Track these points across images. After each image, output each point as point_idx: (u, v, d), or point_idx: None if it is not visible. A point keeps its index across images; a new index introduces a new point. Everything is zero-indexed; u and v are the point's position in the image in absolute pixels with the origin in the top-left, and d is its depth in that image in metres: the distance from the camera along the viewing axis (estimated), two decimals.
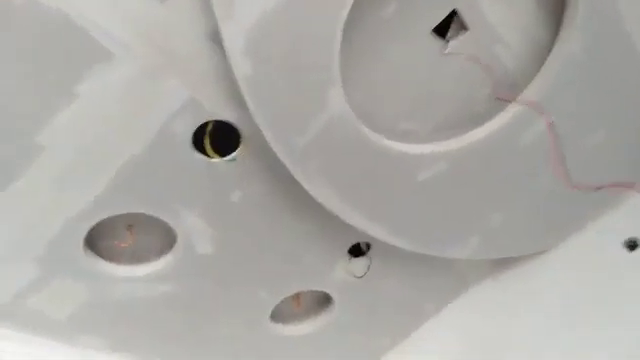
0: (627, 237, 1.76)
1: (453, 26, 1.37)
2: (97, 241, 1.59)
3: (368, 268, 1.81)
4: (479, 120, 1.50)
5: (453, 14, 1.36)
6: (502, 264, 2.01)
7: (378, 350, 2.15)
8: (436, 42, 1.39)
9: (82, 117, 1.26)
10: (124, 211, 1.45)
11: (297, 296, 1.95)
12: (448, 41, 1.39)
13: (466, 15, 1.34)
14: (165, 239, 1.62)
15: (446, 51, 1.39)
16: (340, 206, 1.46)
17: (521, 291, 1.98)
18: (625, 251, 1.76)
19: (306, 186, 1.43)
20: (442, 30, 1.39)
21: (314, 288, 1.83)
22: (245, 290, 1.76)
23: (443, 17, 1.34)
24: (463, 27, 1.38)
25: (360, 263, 1.83)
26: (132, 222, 1.58)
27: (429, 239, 1.69)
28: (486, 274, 2.04)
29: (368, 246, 1.82)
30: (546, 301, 1.89)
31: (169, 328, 1.78)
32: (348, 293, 1.88)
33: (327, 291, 1.86)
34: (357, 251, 1.83)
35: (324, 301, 1.98)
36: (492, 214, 1.72)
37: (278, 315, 1.94)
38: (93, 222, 1.45)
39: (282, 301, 1.89)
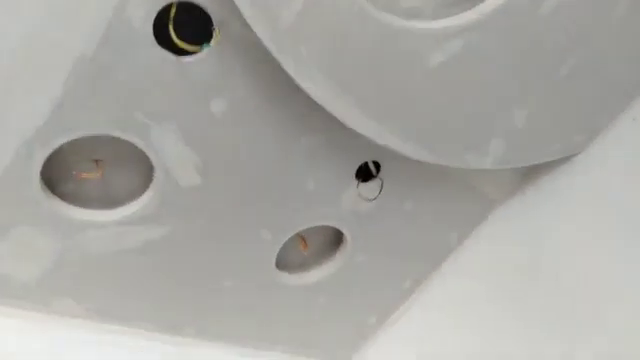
0: None
1: None
2: (60, 186, 1.33)
3: (380, 190, 1.56)
4: None
5: None
6: (528, 179, 1.77)
7: (398, 296, 1.90)
8: None
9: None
10: (83, 132, 1.19)
11: (303, 238, 1.70)
12: None
13: None
14: (142, 178, 1.36)
15: None
16: (340, 103, 1.21)
17: (551, 208, 1.74)
18: None
19: (297, 79, 1.18)
20: None
21: (322, 223, 1.58)
22: (245, 230, 1.51)
23: None
24: None
25: (370, 186, 1.58)
26: (100, 157, 1.32)
27: (445, 144, 1.44)
28: (512, 192, 1.80)
29: (377, 167, 1.57)
30: (581, 213, 1.65)
31: (157, 286, 1.52)
32: (361, 226, 1.63)
33: (337, 225, 1.61)
34: (366, 175, 1.58)
35: (335, 244, 1.73)
36: (516, 109, 1.47)
37: (285, 264, 1.70)
38: (48, 149, 1.19)
39: (289, 248, 1.64)
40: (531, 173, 1.70)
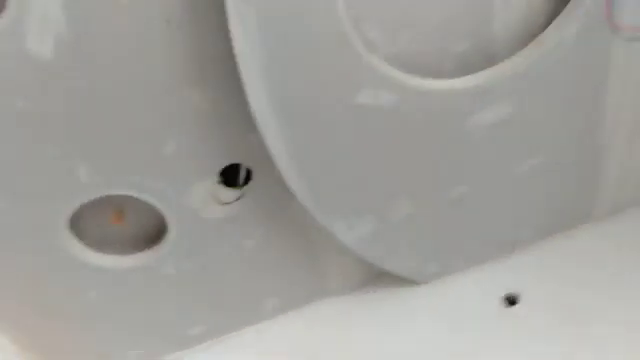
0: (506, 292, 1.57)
1: None
2: None
3: (237, 199, 1.34)
4: None
5: None
6: (375, 282, 1.67)
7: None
8: None
9: None
10: None
11: (120, 211, 1.38)
12: None
13: None
14: None
15: None
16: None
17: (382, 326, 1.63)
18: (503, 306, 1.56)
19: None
20: None
21: (149, 199, 1.28)
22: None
23: None
24: None
25: (229, 193, 1.35)
26: None
27: (328, 202, 1.30)
28: (352, 287, 1.67)
29: (247, 179, 1.36)
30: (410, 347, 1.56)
31: None
32: (190, 230, 1.36)
33: (165, 213, 1.32)
34: (231, 180, 1.36)
35: (157, 236, 1.42)
36: (400, 199, 1.40)
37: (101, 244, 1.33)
38: None
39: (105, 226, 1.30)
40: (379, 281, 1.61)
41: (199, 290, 1.48)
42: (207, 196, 1.30)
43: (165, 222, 1.33)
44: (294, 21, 1.03)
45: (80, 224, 1.32)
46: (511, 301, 1.57)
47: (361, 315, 1.62)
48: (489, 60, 1.28)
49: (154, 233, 1.42)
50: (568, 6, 1.20)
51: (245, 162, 1.31)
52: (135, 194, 1.25)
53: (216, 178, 1.31)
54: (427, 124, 1.27)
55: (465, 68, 1.27)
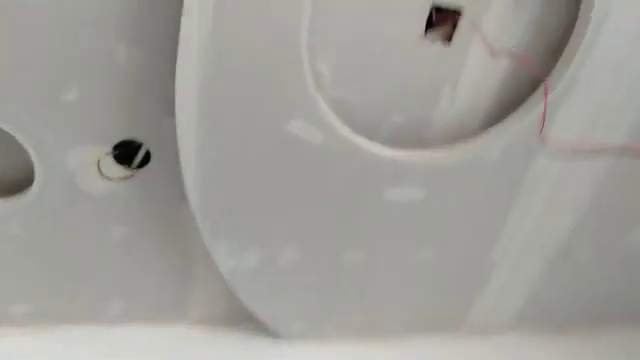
0: None
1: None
2: None
3: (124, 179, 1.20)
4: None
5: None
6: (234, 323, 1.55)
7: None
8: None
9: None
10: None
11: None
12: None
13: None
14: None
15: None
16: None
17: None
18: None
19: None
20: None
21: (25, 142, 1.12)
22: None
23: None
24: None
25: (117, 169, 1.22)
26: None
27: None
28: (212, 322, 1.54)
29: (144, 163, 1.24)
30: None
31: None
32: (57, 192, 1.20)
33: (36, 164, 1.16)
34: (126, 156, 1.23)
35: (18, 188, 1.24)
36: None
37: None
38: None
39: None
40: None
41: (40, 264, 1.29)
42: (91, 163, 1.16)
43: (32, 174, 1.16)
44: (254, 24, 0.98)
45: None
46: None
47: (205, 355, 1.48)
48: (420, 142, 1.29)
49: (16, 184, 1.23)
50: (506, 120, 1.26)
51: (147, 144, 1.19)
52: (11, 131, 1.09)
53: (109, 148, 1.18)
54: (341, 178, 1.23)
55: (397, 140, 1.28)
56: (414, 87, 1.25)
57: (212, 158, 1.12)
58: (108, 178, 1.16)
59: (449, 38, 1.20)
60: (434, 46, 1.20)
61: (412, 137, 1.30)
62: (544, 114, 1.09)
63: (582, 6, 1.15)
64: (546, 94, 1.09)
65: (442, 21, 1.17)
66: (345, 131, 1.19)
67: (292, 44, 1.00)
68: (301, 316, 1.46)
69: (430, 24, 1.18)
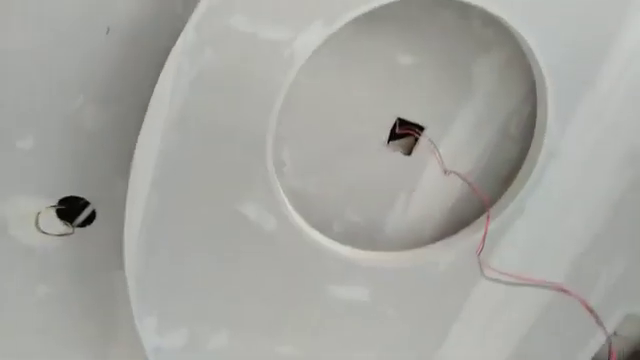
0: None
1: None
2: None
3: (60, 235, 1.14)
4: None
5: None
6: None
7: None
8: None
9: None
10: None
11: None
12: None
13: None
14: None
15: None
16: None
17: None
18: None
19: None
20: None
21: None
22: None
23: None
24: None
25: (56, 223, 1.16)
26: None
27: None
28: None
29: (88, 221, 1.19)
30: None
31: None
32: None
33: None
34: (69, 212, 1.18)
35: None
36: None
37: None
38: None
39: None
40: None
41: None
42: (31, 214, 1.11)
43: None
44: (227, 105, 1.01)
45: None
46: None
47: None
48: (371, 243, 1.29)
49: None
50: (455, 236, 1.28)
51: (95, 204, 1.15)
52: None
53: (54, 201, 1.13)
54: (288, 268, 1.21)
55: (348, 238, 1.28)
56: (371, 189, 1.28)
57: (158, 229, 1.09)
58: (45, 232, 1.10)
59: (410, 150, 1.26)
60: (395, 155, 1.25)
61: (364, 237, 1.31)
62: (483, 238, 1.12)
63: (533, 142, 1.23)
64: (487, 219, 1.13)
65: (405, 133, 1.22)
66: (299, 221, 1.19)
67: (259, 130, 1.02)
68: None
69: (395, 134, 1.24)
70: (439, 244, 1.29)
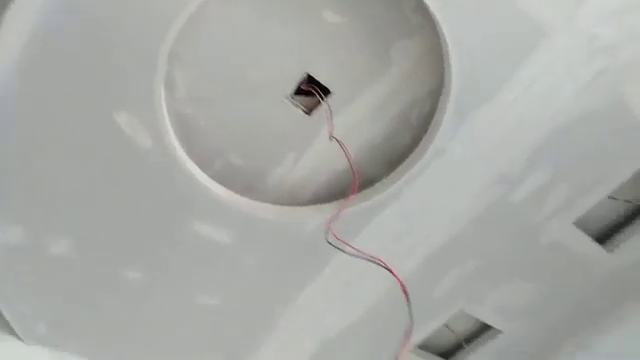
0: None
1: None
2: None
3: None
4: None
5: None
6: None
7: None
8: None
9: None
10: None
11: None
12: None
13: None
14: None
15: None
16: None
17: None
18: None
19: None
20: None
21: None
22: None
23: None
24: None
25: None
26: None
27: None
28: None
29: None
30: None
31: None
32: None
33: None
34: None
35: None
36: None
37: None
38: None
39: None
40: None
41: None
42: None
43: None
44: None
45: None
46: None
47: None
48: (248, 191, 1.28)
49: None
50: (328, 204, 1.28)
51: None
52: None
53: None
54: (155, 192, 1.14)
55: (227, 179, 1.24)
56: (263, 139, 1.23)
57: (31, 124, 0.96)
58: None
59: (311, 110, 1.22)
60: (295, 111, 1.21)
61: (242, 183, 1.27)
62: (338, 211, 1.12)
63: (426, 136, 1.25)
64: (353, 190, 1.12)
65: (310, 91, 1.18)
66: (177, 147, 1.11)
67: (154, 40, 0.92)
68: (50, 319, 1.27)
69: (300, 90, 1.19)
70: (313, 207, 1.29)
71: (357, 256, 0.98)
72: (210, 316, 1.42)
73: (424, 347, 1.79)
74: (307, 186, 1.32)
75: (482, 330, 1.80)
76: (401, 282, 0.80)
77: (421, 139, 1.28)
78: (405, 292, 0.79)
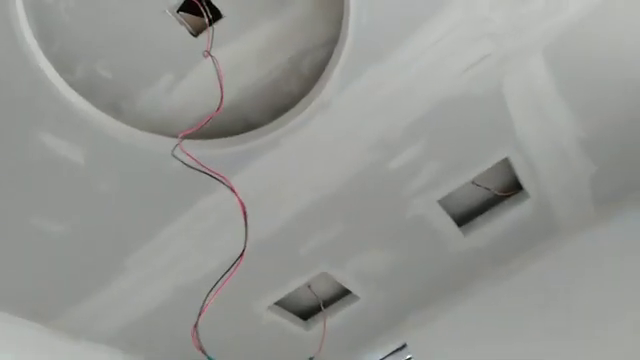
0: None
1: None
2: None
3: None
4: None
5: None
6: None
7: None
8: None
9: None
10: None
11: None
12: None
13: None
14: None
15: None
16: None
17: None
18: None
19: None
20: None
21: None
22: None
23: None
24: None
25: None
26: None
27: None
28: None
29: None
30: None
31: None
32: None
33: None
34: None
35: None
36: None
37: None
38: None
39: None
40: None
41: None
42: None
43: None
44: None
45: None
46: None
47: None
48: (113, 109, 1.14)
49: None
50: (204, 141, 1.20)
51: None
52: None
53: None
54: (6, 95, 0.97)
55: (90, 91, 1.10)
56: (139, 53, 1.10)
57: None
58: None
59: (197, 33, 1.12)
60: (180, 29, 1.09)
61: (107, 99, 1.13)
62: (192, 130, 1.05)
63: (314, 88, 1.21)
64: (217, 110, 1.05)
65: (199, 11, 1.07)
66: (29, 40, 0.95)
67: None
68: None
69: (189, 4, 1.07)
70: (186, 141, 1.19)
71: (202, 171, 0.91)
72: (53, 244, 1.27)
73: (283, 305, 1.79)
74: (180, 118, 1.22)
75: (341, 294, 1.84)
76: (242, 203, 0.75)
77: (309, 90, 1.24)
78: (245, 214, 0.74)
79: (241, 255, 0.75)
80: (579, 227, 1.75)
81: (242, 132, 1.29)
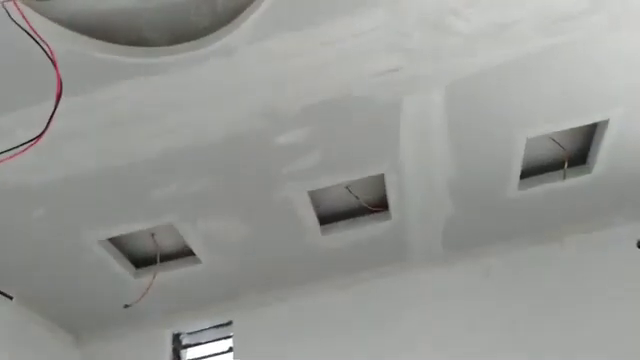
0: None
1: None
2: None
3: None
4: None
5: None
6: None
7: None
8: None
9: None
10: None
11: None
12: None
13: None
14: None
15: None
16: None
17: None
18: None
19: None
20: None
21: None
22: None
23: None
24: None
25: None
26: None
27: None
28: None
29: None
30: None
31: None
32: None
33: None
34: None
35: None
36: None
37: None
38: None
39: None
40: None
41: None
42: None
43: None
44: None
45: None
46: None
47: None
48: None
49: None
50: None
51: None
52: None
53: None
54: None
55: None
56: None
57: None
58: None
59: None
60: None
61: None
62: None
63: (224, 29, 1.10)
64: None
65: None
66: None
67: None
68: None
69: None
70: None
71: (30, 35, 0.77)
72: None
73: (118, 244, 1.64)
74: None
75: (183, 254, 1.73)
76: (60, 83, 0.64)
77: (217, 29, 1.13)
78: (58, 96, 0.63)
79: (38, 137, 0.63)
80: (426, 261, 1.83)
81: (131, 44, 1.14)
